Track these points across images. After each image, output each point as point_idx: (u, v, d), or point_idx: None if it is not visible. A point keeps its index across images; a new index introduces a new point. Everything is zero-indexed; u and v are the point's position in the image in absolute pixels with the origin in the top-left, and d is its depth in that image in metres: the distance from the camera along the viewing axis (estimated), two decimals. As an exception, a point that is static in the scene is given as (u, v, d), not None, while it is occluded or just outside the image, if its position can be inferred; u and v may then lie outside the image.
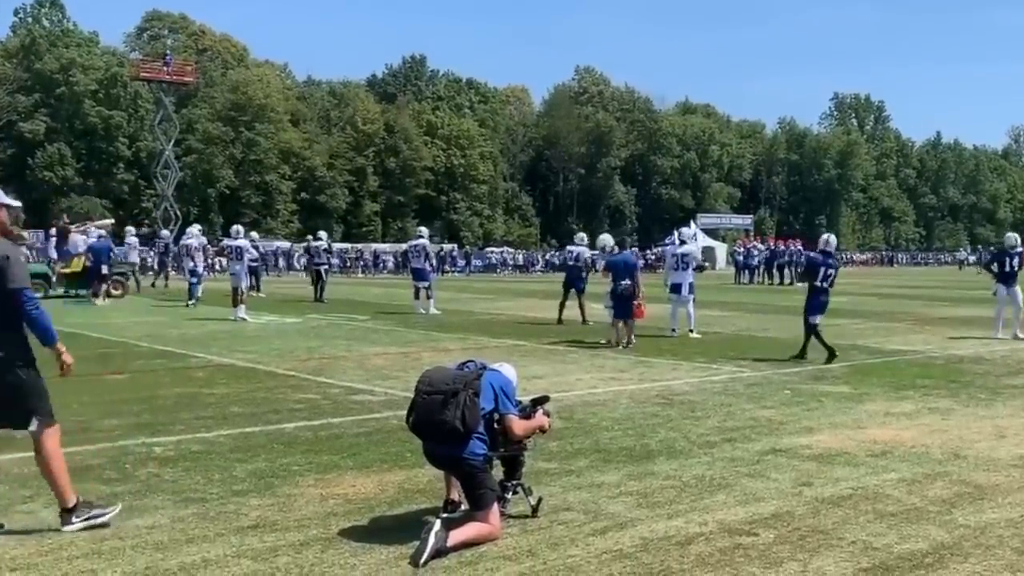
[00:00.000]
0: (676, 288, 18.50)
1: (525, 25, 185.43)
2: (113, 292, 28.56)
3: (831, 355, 14.24)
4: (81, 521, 5.74)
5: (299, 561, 5.22)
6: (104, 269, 26.82)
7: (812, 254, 15.18)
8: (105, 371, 12.83)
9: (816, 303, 14.70)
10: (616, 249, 18.19)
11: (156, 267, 41.47)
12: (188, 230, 28.85)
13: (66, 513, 5.76)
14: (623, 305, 16.48)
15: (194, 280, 25.98)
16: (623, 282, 16.45)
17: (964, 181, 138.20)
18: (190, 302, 25.17)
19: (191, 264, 26.38)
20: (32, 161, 70.52)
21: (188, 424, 9.04)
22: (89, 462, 7.47)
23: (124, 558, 5.24)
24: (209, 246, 33.12)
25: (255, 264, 34.55)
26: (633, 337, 16.54)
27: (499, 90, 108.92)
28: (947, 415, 9.87)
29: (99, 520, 5.76)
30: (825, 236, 15.46)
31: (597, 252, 20.27)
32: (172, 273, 39.44)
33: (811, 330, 14.63)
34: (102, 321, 20.75)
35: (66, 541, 5.51)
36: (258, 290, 32.05)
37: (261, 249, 39.20)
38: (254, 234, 31.04)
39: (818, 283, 14.68)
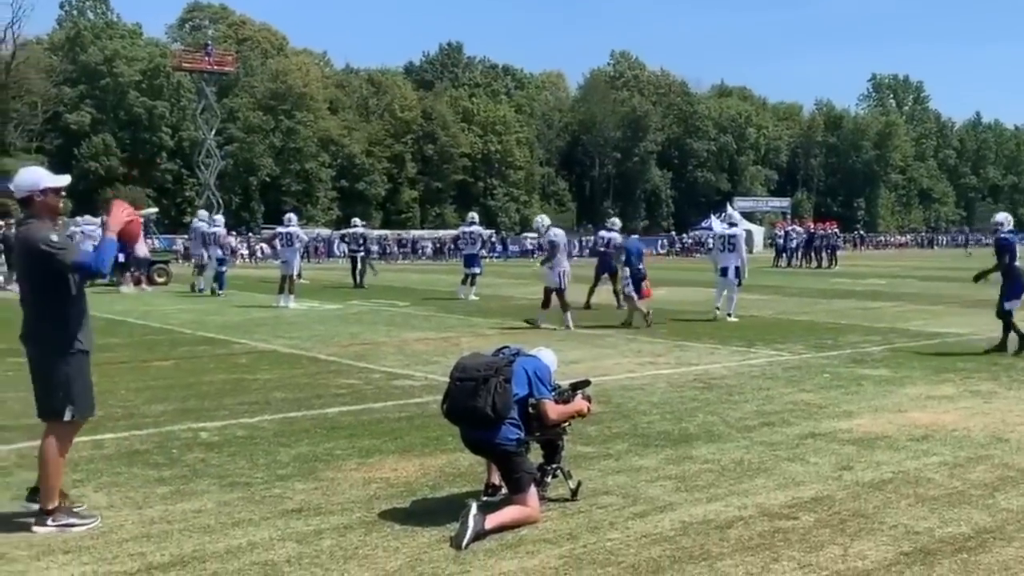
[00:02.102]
0: (724, 271, 18.38)
1: (560, 11, 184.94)
2: (157, 280, 29.07)
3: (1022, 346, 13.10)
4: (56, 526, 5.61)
5: (343, 544, 5.30)
6: (120, 257, 26.96)
7: (1007, 236, 13.56)
8: (151, 358, 13.04)
9: (1020, 287, 13.38)
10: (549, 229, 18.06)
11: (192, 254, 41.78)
12: (215, 218, 28.55)
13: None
14: (637, 285, 17.34)
15: (223, 269, 25.97)
16: (640, 265, 17.46)
17: (1005, 161, 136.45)
18: (220, 292, 25.11)
19: (219, 253, 26.18)
20: (78, 151, 71.53)
21: (232, 409, 9.17)
22: (137, 447, 7.61)
23: (172, 541, 5.35)
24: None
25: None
26: (645, 316, 17.05)
27: (535, 76, 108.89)
28: (989, 398, 9.79)
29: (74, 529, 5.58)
30: (1003, 216, 14.32)
31: (533, 234, 20.27)
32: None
33: (1008, 317, 13.34)
34: (145, 308, 21.03)
35: (116, 524, 5.63)
36: (299, 276, 32.36)
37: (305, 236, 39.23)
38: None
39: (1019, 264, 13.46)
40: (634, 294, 17.28)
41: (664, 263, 56.00)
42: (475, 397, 5.59)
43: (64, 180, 5.88)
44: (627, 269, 17.72)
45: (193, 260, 28.04)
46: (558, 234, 17.69)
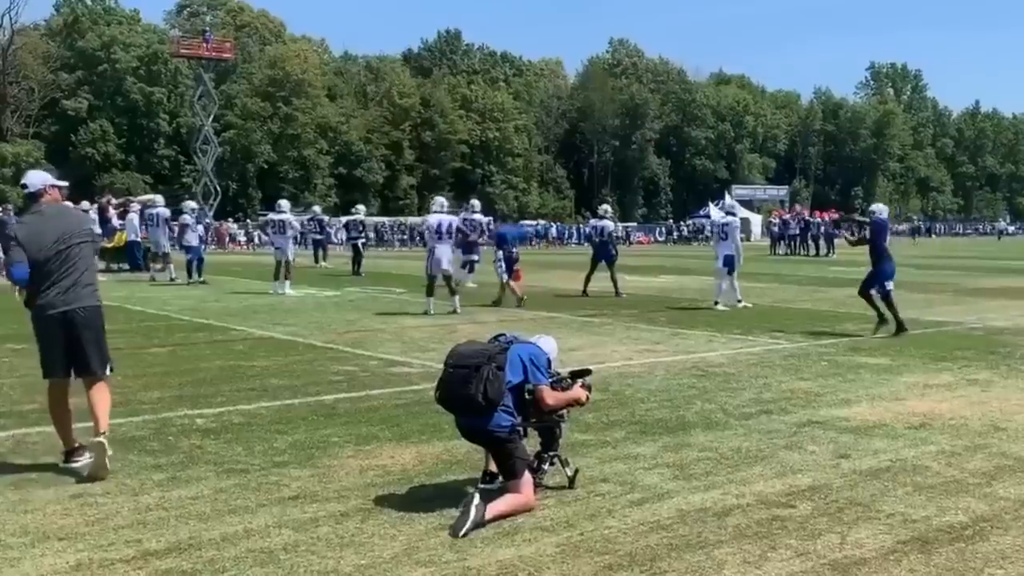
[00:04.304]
0: (717, 259, 18.43)
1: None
2: (154, 267, 28.95)
3: (900, 327, 13.88)
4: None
5: (339, 531, 5.29)
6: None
7: (881, 218, 14.83)
8: (148, 344, 13.02)
9: (891, 268, 14.29)
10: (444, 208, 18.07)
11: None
12: (186, 204, 27.73)
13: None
14: (511, 268, 18.82)
15: (190, 257, 25.25)
16: (514, 249, 19.21)
17: (1003, 150, 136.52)
18: (198, 279, 24.48)
19: (192, 240, 25.54)
20: (75, 138, 71.47)
21: (229, 396, 9.16)
22: (133, 434, 7.59)
23: (168, 528, 5.34)
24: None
25: (320, 237, 34.81)
26: (522, 296, 18.55)
27: (533, 63, 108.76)
28: (987, 387, 9.78)
29: None
30: (878, 206, 15.45)
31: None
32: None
33: (887, 297, 14.12)
34: (143, 295, 21.00)
35: (112, 511, 5.62)
36: (324, 260, 32.53)
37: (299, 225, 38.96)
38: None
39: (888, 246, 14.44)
40: (505, 276, 18.59)
41: (663, 251, 56.00)
42: (467, 385, 5.59)
43: (63, 184, 6.97)
44: (500, 252, 19.00)
45: (152, 249, 27.36)
46: (428, 219, 17.84)
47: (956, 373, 10.64)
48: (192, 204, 28.36)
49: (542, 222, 77.85)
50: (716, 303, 17.99)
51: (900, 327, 13.90)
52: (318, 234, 35.17)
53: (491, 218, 70.67)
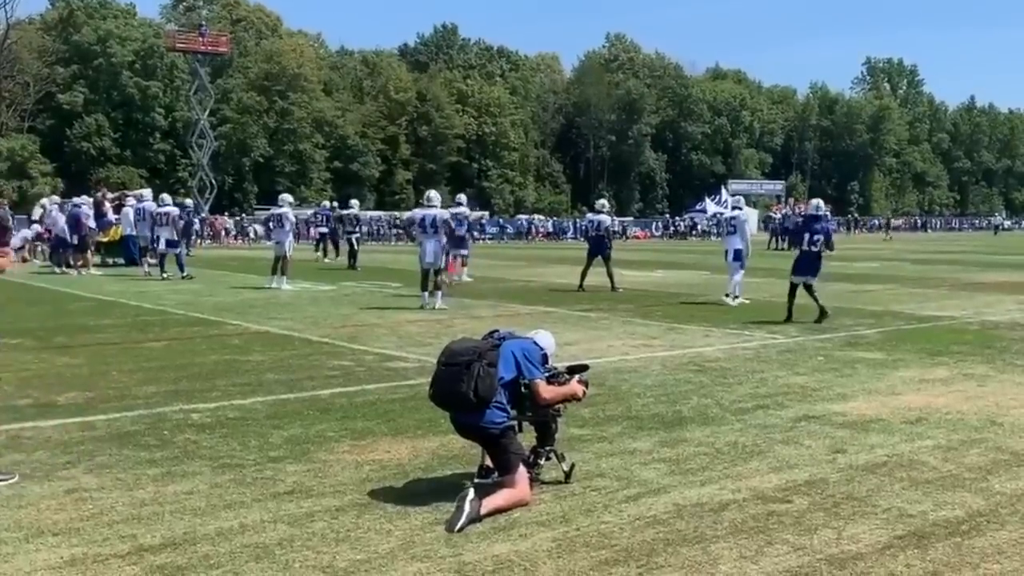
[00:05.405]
0: (726, 254, 18.57)
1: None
2: (150, 261, 28.76)
3: (788, 318, 15.06)
4: None
5: (335, 526, 5.27)
6: (74, 239, 26.46)
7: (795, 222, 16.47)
8: (143, 339, 12.99)
9: (796, 264, 15.74)
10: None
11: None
12: (164, 197, 26.93)
13: None
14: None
15: (176, 251, 25.02)
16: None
17: (999, 145, 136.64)
18: (162, 276, 24.09)
19: (167, 234, 24.90)
20: (71, 132, 71.26)
21: (225, 391, 9.13)
22: (128, 428, 7.56)
23: (163, 523, 5.32)
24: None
25: (326, 230, 34.73)
26: (446, 283, 18.46)
27: (530, 58, 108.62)
28: (983, 381, 9.78)
29: None
30: (815, 201, 17.23)
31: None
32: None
33: (791, 289, 15.48)
34: (139, 290, 20.95)
35: (106, 506, 5.60)
36: (327, 255, 32.46)
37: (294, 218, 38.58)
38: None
39: (805, 246, 15.73)
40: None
41: (659, 246, 55.99)
42: (458, 382, 5.61)
43: None
44: None
45: (141, 242, 27.18)
46: (414, 213, 18.50)
47: (952, 368, 10.64)
48: (168, 198, 27.67)
49: (538, 217, 77.88)
50: (726, 295, 17.98)
51: (788, 317, 15.06)
52: (324, 227, 35.08)
53: (484, 213, 70.81)
